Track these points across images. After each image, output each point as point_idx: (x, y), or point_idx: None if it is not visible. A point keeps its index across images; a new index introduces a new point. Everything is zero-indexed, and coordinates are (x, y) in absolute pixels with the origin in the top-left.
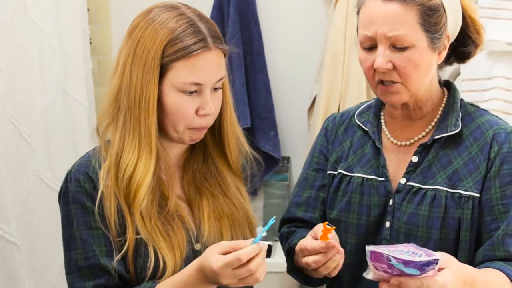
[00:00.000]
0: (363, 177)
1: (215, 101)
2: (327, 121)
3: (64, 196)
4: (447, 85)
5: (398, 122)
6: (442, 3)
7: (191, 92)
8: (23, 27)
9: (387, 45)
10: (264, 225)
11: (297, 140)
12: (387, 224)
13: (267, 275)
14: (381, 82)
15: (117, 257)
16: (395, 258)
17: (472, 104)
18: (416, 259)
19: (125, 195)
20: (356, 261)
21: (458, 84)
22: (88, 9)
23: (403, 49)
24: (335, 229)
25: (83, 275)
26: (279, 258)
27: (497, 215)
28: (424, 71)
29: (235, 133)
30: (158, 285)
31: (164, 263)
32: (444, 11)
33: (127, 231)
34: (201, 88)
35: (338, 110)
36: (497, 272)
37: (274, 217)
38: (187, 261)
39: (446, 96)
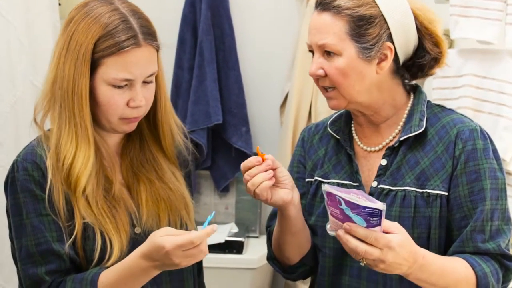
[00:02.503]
0: (338, 183)
1: (146, 94)
2: (304, 132)
3: (12, 185)
4: (414, 89)
5: (365, 128)
6: (381, 13)
7: (121, 86)
8: None
9: (321, 52)
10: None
11: (269, 136)
12: None
13: (239, 271)
14: (321, 89)
15: (68, 242)
16: (344, 200)
17: (438, 105)
18: (361, 203)
19: (67, 184)
20: (336, 265)
21: (429, 81)
22: (59, 4)
23: (332, 56)
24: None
25: (35, 261)
26: (251, 254)
27: (466, 212)
28: (356, 79)
29: (168, 122)
30: (103, 272)
31: (111, 244)
32: (385, 21)
33: (75, 216)
34: (131, 82)
35: (310, 107)
36: (460, 260)
37: (214, 212)
38: (130, 243)
39: (411, 99)
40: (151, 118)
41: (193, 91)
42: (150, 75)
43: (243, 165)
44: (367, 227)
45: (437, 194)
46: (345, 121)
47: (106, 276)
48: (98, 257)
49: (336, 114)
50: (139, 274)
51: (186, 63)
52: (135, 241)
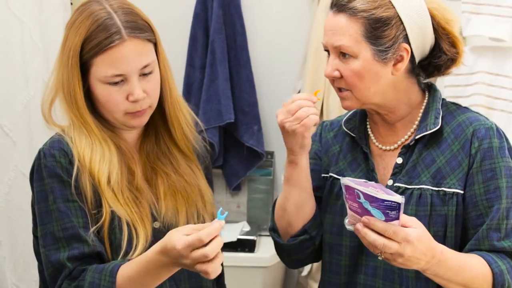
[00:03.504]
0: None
1: (146, 86)
2: (320, 127)
3: (37, 172)
4: (429, 87)
5: (380, 127)
6: (397, 14)
7: (116, 83)
8: (4, 20)
9: (336, 54)
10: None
11: (281, 134)
12: None
13: (251, 269)
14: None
15: (93, 229)
16: (362, 193)
17: (453, 103)
18: (380, 196)
19: (92, 176)
20: (352, 263)
21: (441, 78)
22: (71, 3)
23: (348, 58)
24: None
25: (59, 247)
26: (263, 253)
27: (482, 210)
28: (371, 81)
29: (176, 114)
30: (123, 265)
31: (137, 235)
32: (401, 23)
33: (103, 205)
34: (125, 77)
35: (322, 105)
36: (477, 257)
37: (226, 213)
38: (152, 235)
39: (426, 98)
40: (162, 111)
41: (204, 89)
42: (145, 67)
43: (297, 96)
44: (386, 220)
45: (453, 192)
46: (360, 119)
47: (125, 268)
48: (125, 248)
49: (351, 112)
50: (158, 269)
51: (197, 62)
52: (155, 234)
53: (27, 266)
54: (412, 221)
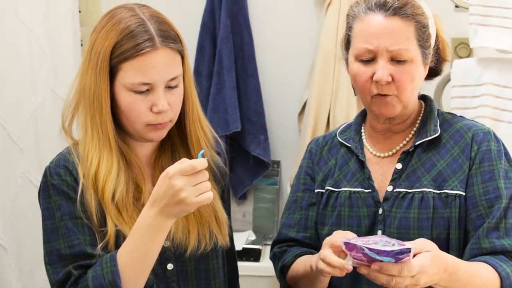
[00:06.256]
0: (350, 191)
1: (171, 99)
2: (311, 144)
3: (44, 190)
4: (423, 98)
5: (380, 136)
6: (427, 22)
7: (142, 92)
8: (12, 28)
9: (387, 58)
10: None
11: (288, 144)
12: (379, 232)
13: (257, 279)
14: (377, 95)
15: (100, 245)
16: (368, 248)
17: (448, 113)
18: (389, 248)
19: (96, 191)
20: (352, 274)
21: (448, 90)
22: (80, 11)
23: (402, 62)
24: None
25: (66, 264)
26: (268, 262)
27: (482, 211)
28: (417, 84)
29: (195, 132)
30: (120, 248)
31: None
32: (429, 30)
33: (108, 223)
34: (152, 87)
35: (329, 114)
36: (482, 263)
37: (203, 150)
38: (159, 255)
39: (423, 107)
40: (182, 126)
41: (211, 98)
42: (172, 79)
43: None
44: (396, 261)
45: (456, 194)
46: (355, 130)
47: (123, 246)
48: None
49: (344, 125)
50: (151, 227)
51: (204, 71)
52: (163, 254)
53: (33, 273)
54: (424, 245)
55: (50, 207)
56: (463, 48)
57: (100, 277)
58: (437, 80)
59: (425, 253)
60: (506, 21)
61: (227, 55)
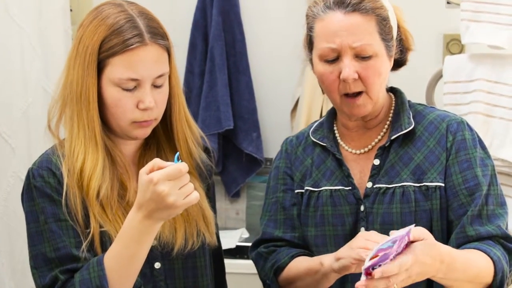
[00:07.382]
0: (331, 189)
1: (156, 97)
2: (285, 144)
3: (27, 192)
4: (392, 90)
5: (353, 133)
6: (388, 15)
7: (129, 89)
8: (3, 26)
9: (351, 55)
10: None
11: (280, 141)
12: (362, 229)
13: (250, 276)
14: (345, 94)
15: (84, 244)
16: (378, 263)
17: (419, 104)
18: (385, 245)
19: (80, 188)
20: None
21: (440, 86)
22: (71, 10)
23: (366, 58)
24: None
25: (52, 267)
26: None
27: (463, 200)
28: (384, 78)
29: (182, 130)
30: (107, 252)
31: None
32: (390, 22)
33: (91, 221)
34: (139, 83)
35: (321, 112)
36: (474, 250)
37: (178, 153)
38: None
39: (394, 100)
40: (168, 124)
41: (203, 96)
42: (159, 76)
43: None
44: (393, 246)
45: (436, 186)
46: (327, 128)
47: (110, 250)
48: None
49: (316, 124)
50: (138, 230)
51: (196, 69)
52: (150, 253)
53: (25, 272)
54: (421, 232)
55: (33, 210)
56: (455, 44)
57: (87, 282)
58: (429, 76)
59: (417, 242)
60: (497, 17)
61: (219, 53)
